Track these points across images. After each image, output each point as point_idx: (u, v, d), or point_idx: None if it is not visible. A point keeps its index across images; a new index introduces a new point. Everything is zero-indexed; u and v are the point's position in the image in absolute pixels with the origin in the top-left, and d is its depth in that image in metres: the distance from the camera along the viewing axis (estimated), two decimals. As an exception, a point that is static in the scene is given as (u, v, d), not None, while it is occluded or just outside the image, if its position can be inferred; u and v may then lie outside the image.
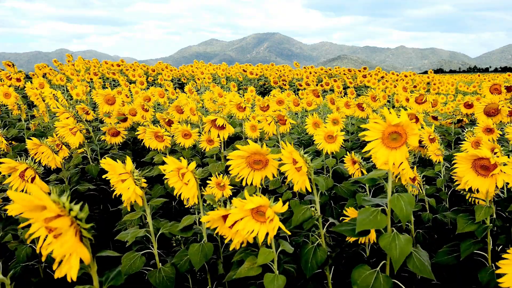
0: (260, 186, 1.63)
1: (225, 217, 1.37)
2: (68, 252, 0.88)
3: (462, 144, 2.22)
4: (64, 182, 2.64)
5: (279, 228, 1.27)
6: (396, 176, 1.63)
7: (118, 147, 3.33)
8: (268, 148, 1.48)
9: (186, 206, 1.92)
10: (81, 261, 0.95)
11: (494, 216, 1.66)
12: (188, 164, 1.52)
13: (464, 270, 1.72)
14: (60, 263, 0.90)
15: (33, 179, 1.73)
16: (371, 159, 2.03)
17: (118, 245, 2.31)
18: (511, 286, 0.98)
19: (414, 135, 1.21)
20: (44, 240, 0.88)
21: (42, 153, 2.21)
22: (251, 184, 1.56)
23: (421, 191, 2.02)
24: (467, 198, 1.85)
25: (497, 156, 1.40)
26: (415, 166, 2.03)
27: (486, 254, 1.59)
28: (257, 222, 1.29)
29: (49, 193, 0.89)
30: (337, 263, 1.77)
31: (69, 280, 0.89)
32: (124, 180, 1.43)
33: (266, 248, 1.37)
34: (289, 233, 1.35)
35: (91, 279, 1.08)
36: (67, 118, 2.68)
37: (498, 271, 1.01)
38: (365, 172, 2.18)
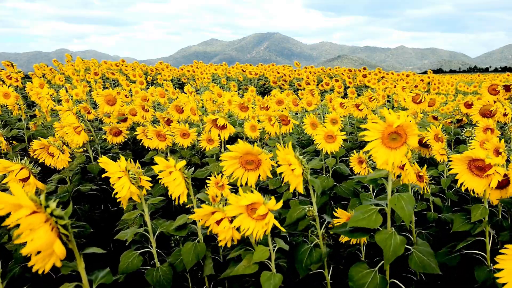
0: (255, 186, 1.61)
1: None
2: (41, 247, 0.88)
3: (470, 143, 2.21)
4: (66, 182, 2.64)
5: (277, 228, 1.27)
6: (398, 176, 1.63)
7: (119, 147, 3.33)
8: (259, 148, 1.46)
9: (186, 206, 1.91)
10: (72, 260, 0.95)
11: (500, 217, 1.66)
12: (176, 163, 1.50)
13: (465, 270, 1.72)
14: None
15: (27, 179, 1.72)
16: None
17: (118, 245, 2.31)
18: (510, 281, 0.95)
19: (413, 136, 1.20)
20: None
21: (52, 154, 2.19)
22: (246, 184, 1.54)
23: (427, 190, 2.01)
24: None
25: (490, 157, 1.41)
26: (424, 165, 2.01)
27: (485, 254, 1.59)
28: (252, 220, 1.28)
29: (38, 194, 0.90)
30: (336, 263, 1.77)
31: (39, 272, 0.91)
32: (120, 178, 1.43)
33: (262, 246, 1.38)
34: (284, 230, 1.35)
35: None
36: (68, 116, 2.67)
37: (496, 266, 0.98)
38: (371, 171, 2.16)
